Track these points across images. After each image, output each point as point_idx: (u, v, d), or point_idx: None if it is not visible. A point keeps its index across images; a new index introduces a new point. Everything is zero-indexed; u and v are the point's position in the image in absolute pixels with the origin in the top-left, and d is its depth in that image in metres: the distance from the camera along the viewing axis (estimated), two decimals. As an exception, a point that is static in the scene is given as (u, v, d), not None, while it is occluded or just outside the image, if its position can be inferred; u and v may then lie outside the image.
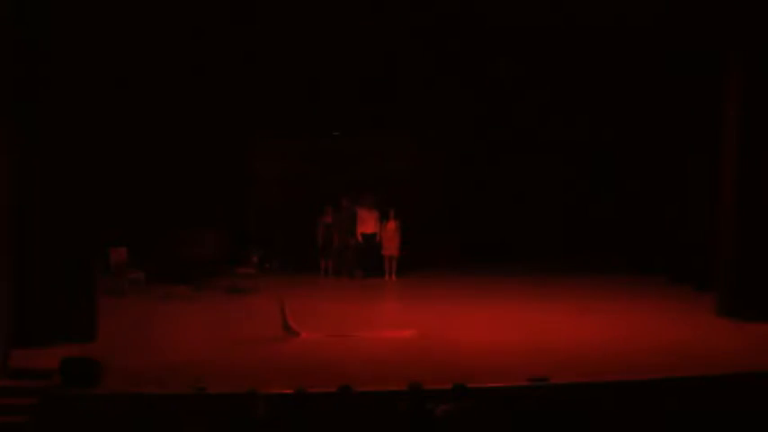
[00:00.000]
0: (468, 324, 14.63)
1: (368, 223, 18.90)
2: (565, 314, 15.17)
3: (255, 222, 19.97)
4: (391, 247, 18.74)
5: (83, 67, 13.08)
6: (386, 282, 18.62)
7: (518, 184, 20.00)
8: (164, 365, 11.97)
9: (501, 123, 19.79)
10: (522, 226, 19.81)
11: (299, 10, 16.87)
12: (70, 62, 12.93)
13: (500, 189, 19.95)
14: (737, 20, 14.48)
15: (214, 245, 17.96)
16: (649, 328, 14.15)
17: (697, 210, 16.72)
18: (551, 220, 19.89)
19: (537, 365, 11.45)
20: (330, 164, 20.14)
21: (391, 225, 18.76)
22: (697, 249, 16.57)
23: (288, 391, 9.91)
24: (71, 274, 13.03)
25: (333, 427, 9.08)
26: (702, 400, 10.25)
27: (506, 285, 17.79)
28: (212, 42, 18.21)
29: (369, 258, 18.85)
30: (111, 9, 14.29)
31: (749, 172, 14.51)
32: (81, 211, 13.14)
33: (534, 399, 9.92)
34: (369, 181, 19.60)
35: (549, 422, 9.17)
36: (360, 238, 18.82)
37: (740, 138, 14.56)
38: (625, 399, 10.46)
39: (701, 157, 16.38)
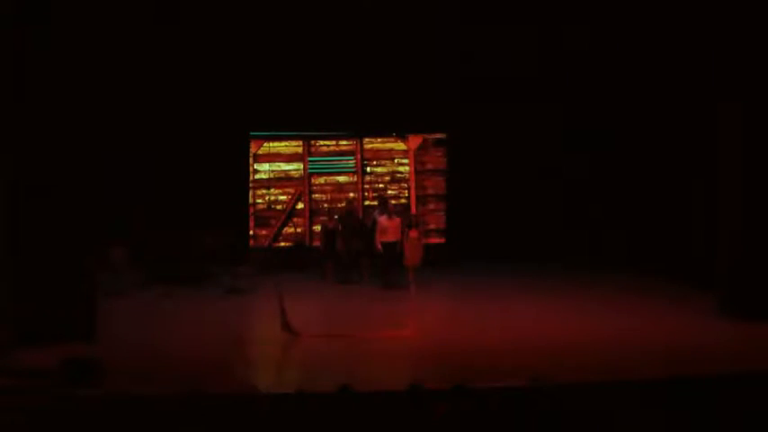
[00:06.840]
0: (467, 324, 14.63)
1: (389, 232, 17.43)
2: (565, 314, 15.18)
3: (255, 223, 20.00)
4: (414, 257, 17.16)
5: (81, 65, 13.08)
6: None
7: (517, 183, 20.01)
8: (164, 365, 11.96)
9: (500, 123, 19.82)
10: (521, 226, 19.80)
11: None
12: (69, 60, 12.93)
13: (500, 189, 19.95)
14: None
15: (214, 245, 17.96)
16: (649, 327, 14.15)
17: (698, 209, 16.72)
18: (551, 219, 19.88)
19: (537, 365, 11.43)
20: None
21: (414, 233, 17.34)
22: (697, 249, 16.57)
23: (288, 391, 9.91)
24: (71, 273, 13.03)
25: (333, 428, 9.08)
26: (701, 400, 10.24)
27: (506, 285, 17.80)
28: (212, 40, 18.27)
29: (389, 270, 17.40)
30: (109, 8, 14.30)
31: (751, 171, 14.51)
32: (81, 211, 13.13)
33: (534, 399, 9.91)
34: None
35: (549, 422, 9.16)
36: (379, 246, 17.42)
37: (743, 137, 14.56)
38: (625, 399, 10.45)
39: (703, 156, 16.36)
